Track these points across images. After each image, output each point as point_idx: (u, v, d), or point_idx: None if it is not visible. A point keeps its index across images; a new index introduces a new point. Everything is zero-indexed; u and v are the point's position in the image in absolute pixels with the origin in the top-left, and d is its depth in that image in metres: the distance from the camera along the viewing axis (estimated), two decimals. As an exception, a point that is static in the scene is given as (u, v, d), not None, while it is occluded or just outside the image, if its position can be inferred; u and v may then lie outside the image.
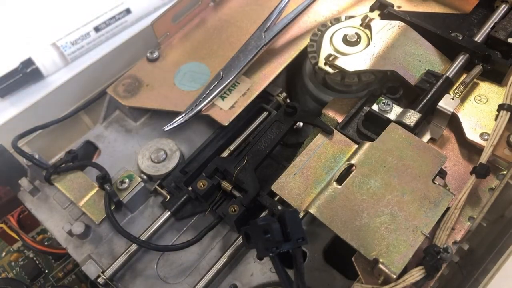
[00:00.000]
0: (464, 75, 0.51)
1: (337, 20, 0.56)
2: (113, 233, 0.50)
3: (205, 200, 0.49)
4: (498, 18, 0.54)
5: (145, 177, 0.53)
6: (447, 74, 0.50)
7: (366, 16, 0.55)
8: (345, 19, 0.56)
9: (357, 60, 0.51)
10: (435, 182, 0.42)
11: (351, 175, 0.43)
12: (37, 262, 0.63)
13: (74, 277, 0.62)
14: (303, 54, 0.58)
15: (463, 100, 0.50)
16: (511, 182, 0.46)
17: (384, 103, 0.48)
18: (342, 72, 0.52)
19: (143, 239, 0.48)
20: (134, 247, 0.48)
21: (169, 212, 0.50)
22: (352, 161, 0.44)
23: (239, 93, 0.55)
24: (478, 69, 0.51)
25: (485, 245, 0.51)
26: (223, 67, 0.55)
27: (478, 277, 0.47)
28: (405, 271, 0.38)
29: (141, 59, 0.60)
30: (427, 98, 0.49)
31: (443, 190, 0.41)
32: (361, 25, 0.55)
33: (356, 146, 0.46)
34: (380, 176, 0.42)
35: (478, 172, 0.44)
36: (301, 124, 0.55)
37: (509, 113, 0.47)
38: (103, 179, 0.50)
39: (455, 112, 0.48)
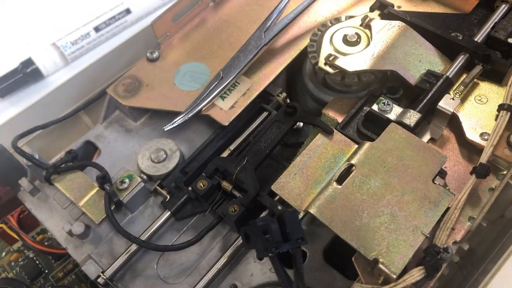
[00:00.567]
0: (464, 75, 0.51)
1: (337, 20, 0.56)
2: (113, 233, 0.50)
3: (205, 200, 0.49)
4: (498, 18, 0.54)
5: (145, 177, 0.53)
6: (447, 74, 0.50)
7: (366, 16, 0.55)
8: (345, 19, 0.56)
9: (357, 60, 0.51)
10: (435, 182, 0.42)
11: (351, 175, 0.43)
12: (37, 262, 0.63)
13: (74, 277, 0.62)
14: (303, 54, 0.58)
15: (463, 100, 0.50)
16: (511, 182, 0.46)
17: (384, 103, 0.48)
18: (342, 72, 0.52)
19: (143, 239, 0.48)
20: (134, 247, 0.48)
21: (169, 212, 0.50)
22: (352, 161, 0.44)
23: (239, 93, 0.55)
24: (478, 69, 0.51)
25: (485, 245, 0.51)
26: (223, 67, 0.55)
27: (478, 277, 0.47)
28: (405, 271, 0.38)
29: (141, 59, 0.60)
30: (427, 98, 0.49)
31: (443, 190, 0.41)
32: (361, 25, 0.55)
33: (356, 146, 0.46)
34: (380, 176, 0.42)
35: (478, 172, 0.44)
36: (301, 124, 0.55)
37: (509, 113, 0.47)
38: (103, 179, 0.50)
39: (455, 112, 0.48)
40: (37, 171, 0.52)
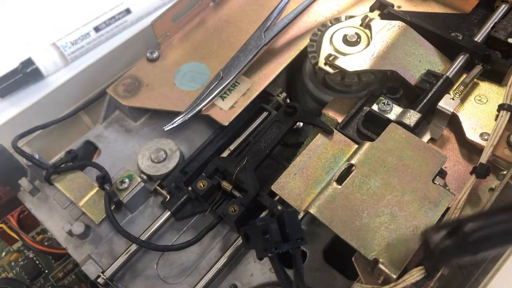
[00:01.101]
0: (464, 75, 0.51)
1: (337, 20, 0.56)
2: (113, 233, 0.50)
3: (205, 200, 0.49)
4: (498, 18, 0.54)
5: (145, 177, 0.53)
6: (447, 74, 0.50)
7: (366, 16, 0.55)
8: (345, 19, 0.56)
9: (357, 60, 0.51)
10: (435, 182, 0.42)
11: (351, 175, 0.43)
12: (37, 262, 0.63)
13: (74, 277, 0.62)
14: (303, 54, 0.58)
15: (463, 100, 0.50)
16: (511, 182, 0.46)
17: (384, 103, 0.49)
18: (342, 72, 0.52)
19: (143, 239, 0.48)
20: (134, 247, 0.48)
21: (169, 212, 0.50)
22: (352, 161, 0.44)
23: (239, 93, 0.55)
24: (478, 69, 0.51)
25: (485, 245, 0.51)
26: (223, 67, 0.55)
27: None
28: (405, 271, 0.38)
29: (141, 59, 0.60)
30: (427, 98, 0.49)
31: (443, 190, 0.41)
32: (361, 25, 0.55)
33: (356, 146, 0.46)
34: (380, 176, 0.42)
35: (478, 172, 0.44)
36: (301, 124, 0.55)
37: (509, 113, 0.47)
38: (103, 179, 0.50)
39: (455, 112, 0.48)
40: (37, 171, 0.52)
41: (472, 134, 0.48)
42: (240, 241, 0.48)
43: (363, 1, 0.62)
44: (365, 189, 0.42)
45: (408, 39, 0.53)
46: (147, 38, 0.61)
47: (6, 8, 0.68)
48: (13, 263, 0.63)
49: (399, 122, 0.47)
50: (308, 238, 0.47)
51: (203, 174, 0.49)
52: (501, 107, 0.47)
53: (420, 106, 0.48)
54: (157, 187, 0.52)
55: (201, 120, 0.56)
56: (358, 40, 0.53)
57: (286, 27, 0.57)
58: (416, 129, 0.47)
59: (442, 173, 0.44)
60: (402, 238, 0.39)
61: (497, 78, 0.51)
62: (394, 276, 0.38)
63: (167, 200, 0.51)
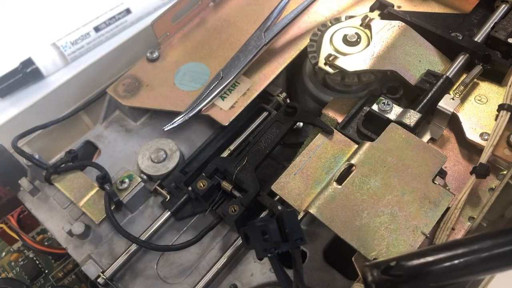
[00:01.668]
0: (464, 75, 0.51)
1: (337, 20, 0.56)
2: (113, 233, 0.50)
3: (205, 200, 0.49)
4: (498, 18, 0.54)
5: (145, 177, 0.53)
6: (447, 74, 0.50)
7: (366, 16, 0.55)
8: (345, 19, 0.56)
9: (357, 60, 0.51)
10: (435, 182, 0.42)
11: (351, 175, 0.43)
12: (37, 262, 0.63)
13: (74, 277, 0.62)
14: (303, 54, 0.57)
15: (463, 100, 0.50)
16: (511, 182, 0.46)
17: (384, 103, 0.48)
18: (342, 72, 0.52)
19: (143, 239, 0.48)
20: (134, 247, 0.48)
21: (169, 212, 0.50)
22: (352, 161, 0.44)
23: (239, 93, 0.55)
24: (478, 69, 0.51)
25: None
26: (223, 67, 0.55)
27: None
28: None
29: (141, 59, 0.60)
30: (427, 98, 0.49)
31: (443, 190, 0.41)
32: (361, 25, 0.55)
33: (356, 146, 0.46)
34: (380, 176, 0.42)
35: (478, 172, 0.44)
36: (301, 124, 0.55)
37: (509, 113, 0.47)
38: (103, 179, 0.50)
39: (455, 112, 0.48)
40: (37, 171, 0.52)
41: (472, 134, 0.48)
42: (240, 241, 0.48)
43: (363, 1, 0.62)
44: (365, 189, 0.42)
45: (408, 39, 0.53)
46: (147, 38, 0.61)
47: (6, 8, 0.68)
48: (13, 263, 0.63)
49: (399, 122, 0.47)
50: (308, 238, 0.47)
51: (203, 174, 0.49)
52: (501, 107, 0.47)
53: (420, 106, 0.48)
54: (157, 187, 0.52)
55: (201, 120, 0.56)
56: (358, 40, 0.53)
57: (286, 27, 0.57)
58: (416, 129, 0.47)
59: (442, 173, 0.44)
60: (402, 238, 0.39)
61: (497, 78, 0.51)
62: (394, 276, 0.38)
63: (167, 200, 0.51)
